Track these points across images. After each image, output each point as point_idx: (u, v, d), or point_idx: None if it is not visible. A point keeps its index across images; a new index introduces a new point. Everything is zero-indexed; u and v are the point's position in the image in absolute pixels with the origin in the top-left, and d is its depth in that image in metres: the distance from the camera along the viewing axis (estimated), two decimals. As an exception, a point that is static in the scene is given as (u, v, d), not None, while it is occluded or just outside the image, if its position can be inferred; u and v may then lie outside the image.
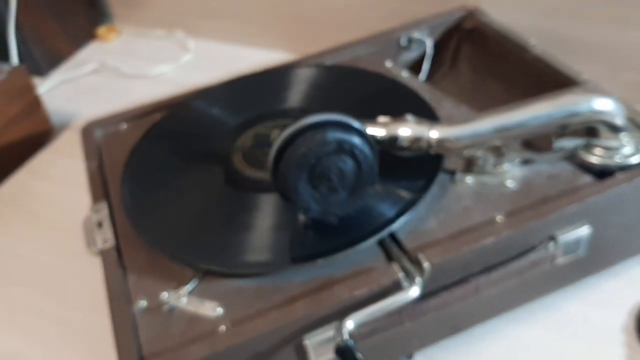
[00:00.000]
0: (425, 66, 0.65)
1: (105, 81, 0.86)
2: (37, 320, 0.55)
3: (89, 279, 0.57)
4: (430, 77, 0.67)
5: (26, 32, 0.83)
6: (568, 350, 0.46)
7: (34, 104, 0.72)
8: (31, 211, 0.66)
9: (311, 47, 0.66)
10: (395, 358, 0.46)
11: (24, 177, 0.71)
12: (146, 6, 0.93)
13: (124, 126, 0.60)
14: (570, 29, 0.66)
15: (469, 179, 0.47)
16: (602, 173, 0.46)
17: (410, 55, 0.66)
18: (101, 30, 0.95)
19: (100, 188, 0.52)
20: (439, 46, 0.67)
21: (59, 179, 0.69)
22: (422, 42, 0.66)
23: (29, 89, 0.71)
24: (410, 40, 0.65)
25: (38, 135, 0.73)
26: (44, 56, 0.86)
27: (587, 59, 0.65)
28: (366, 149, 0.40)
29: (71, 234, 0.62)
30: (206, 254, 0.43)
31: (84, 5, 0.92)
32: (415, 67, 0.66)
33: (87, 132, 0.58)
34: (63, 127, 0.77)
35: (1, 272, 0.60)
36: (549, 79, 0.56)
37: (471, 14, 0.66)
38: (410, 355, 0.47)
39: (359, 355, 0.36)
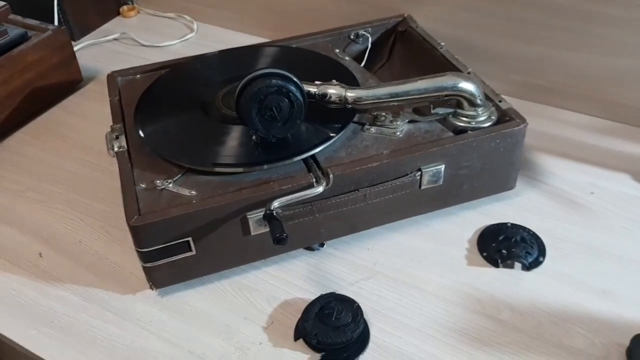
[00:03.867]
0: (366, 56, 0.87)
1: (124, 48, 1.08)
2: (65, 206, 0.76)
3: (101, 182, 0.79)
4: (371, 67, 0.89)
5: (66, 4, 1.04)
6: (428, 249, 0.68)
7: (70, 58, 0.93)
8: (62, 136, 0.88)
9: (284, 35, 0.88)
10: (310, 243, 0.68)
11: (58, 112, 0.93)
12: (162, -7, 1.15)
13: (137, 77, 0.81)
14: (477, 39, 0.88)
15: (373, 129, 0.69)
16: (461, 132, 0.68)
17: (357, 47, 0.88)
18: (124, 8, 1.17)
19: (119, 114, 0.73)
20: (380, 43, 0.89)
21: (84, 116, 0.92)
22: (366, 38, 0.87)
23: (67, 46, 0.92)
24: (357, 36, 0.87)
25: (71, 82, 0.95)
26: (77, 24, 1.08)
27: (487, 61, 0.87)
28: (299, 94, 0.62)
29: (90, 152, 0.84)
30: (189, 157, 0.65)
31: (112, -13, 1.15)
32: (361, 57, 0.87)
33: (111, 77, 0.80)
34: (90, 79, 0.99)
35: (40, 174, 0.81)
36: (448, 70, 0.77)
37: (404, 19, 0.88)
38: (322, 244, 0.69)
39: (279, 217, 0.58)
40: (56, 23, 1.02)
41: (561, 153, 0.79)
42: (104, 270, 0.68)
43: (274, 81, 0.60)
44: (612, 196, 0.72)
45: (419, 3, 0.90)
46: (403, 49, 0.88)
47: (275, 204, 0.60)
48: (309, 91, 0.66)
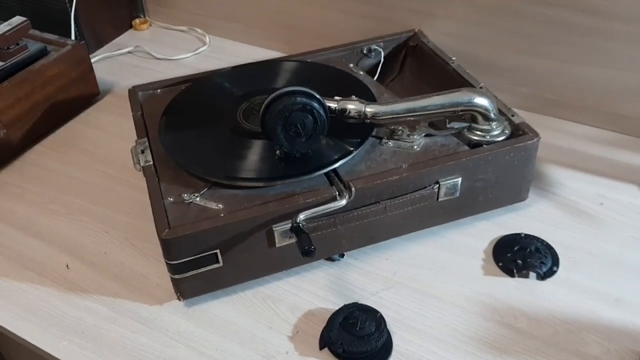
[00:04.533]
0: (378, 70, 0.89)
1: (138, 61, 1.10)
2: (89, 219, 0.78)
3: (123, 194, 0.81)
4: (383, 80, 0.91)
5: (81, 18, 1.06)
6: (445, 259, 0.70)
7: (88, 71, 0.95)
8: (81, 149, 0.89)
9: (298, 49, 0.90)
10: (332, 253, 0.70)
11: (76, 125, 0.95)
12: (174, 6, 1.17)
13: (158, 91, 0.83)
14: (485, 53, 0.90)
15: (391, 143, 0.71)
16: (476, 145, 0.70)
17: (369, 61, 0.90)
18: (136, 21, 1.19)
19: (142, 129, 0.75)
20: (391, 57, 0.92)
21: (102, 129, 0.93)
22: (378, 53, 0.90)
23: (86, 60, 0.94)
24: (370, 50, 0.89)
25: (88, 96, 0.97)
26: (92, 37, 1.10)
27: (495, 75, 0.90)
28: (322, 111, 0.64)
29: (110, 165, 0.86)
30: (215, 171, 0.67)
31: (125, 1, 1.16)
32: (373, 71, 0.90)
33: (132, 92, 0.82)
34: (106, 92, 1.01)
35: (62, 187, 0.83)
36: (460, 84, 0.80)
37: (415, 34, 0.91)
38: (342, 255, 0.71)
39: (304, 229, 0.60)
40: (73, 37, 1.04)
41: (570, 165, 0.81)
42: (131, 281, 0.69)
43: (298, 99, 0.63)
44: (620, 206, 0.75)
45: (429, 18, 0.92)
46: (414, 63, 0.91)
47: (301, 216, 0.62)
48: (329, 106, 0.68)
